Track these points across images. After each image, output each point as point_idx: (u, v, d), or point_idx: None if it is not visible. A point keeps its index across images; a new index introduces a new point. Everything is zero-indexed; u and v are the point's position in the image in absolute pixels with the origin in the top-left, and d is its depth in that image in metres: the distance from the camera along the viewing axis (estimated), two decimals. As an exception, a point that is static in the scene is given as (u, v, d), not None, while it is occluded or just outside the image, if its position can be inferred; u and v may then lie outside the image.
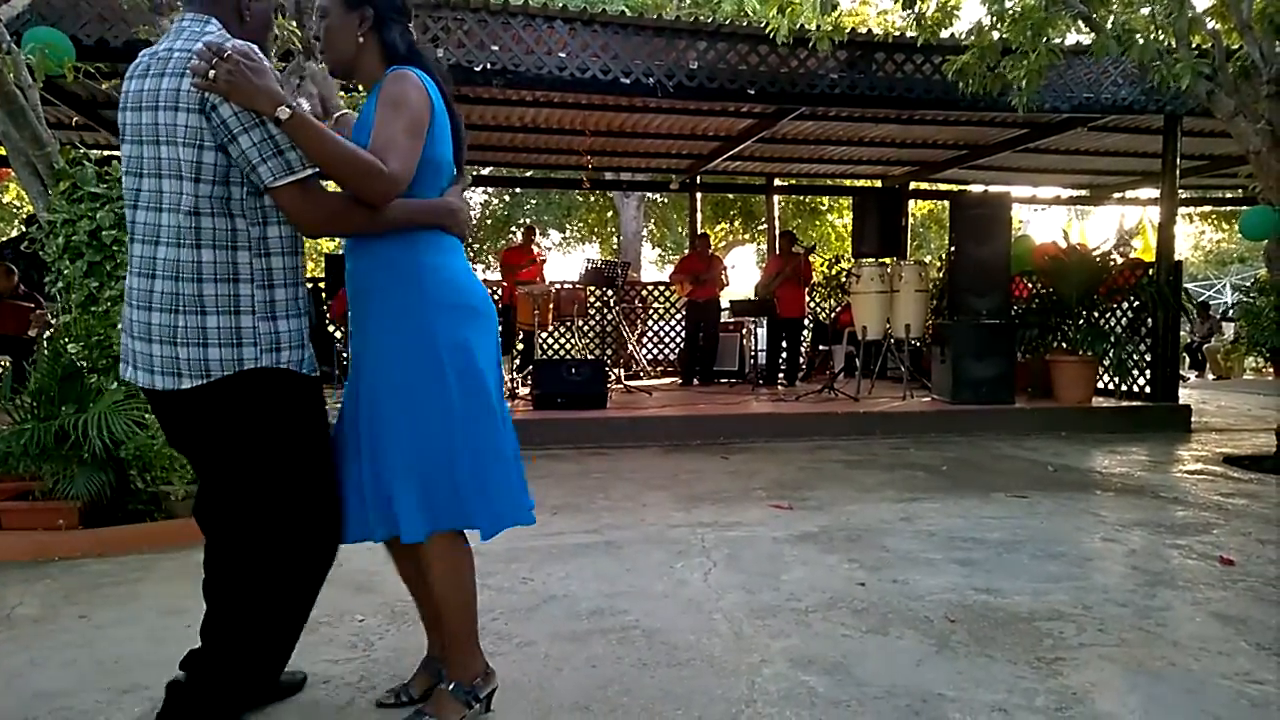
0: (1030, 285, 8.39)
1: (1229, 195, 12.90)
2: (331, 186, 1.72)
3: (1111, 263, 7.64)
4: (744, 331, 9.38)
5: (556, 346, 10.75)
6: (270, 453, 1.70)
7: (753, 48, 6.36)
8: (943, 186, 12.38)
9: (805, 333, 10.33)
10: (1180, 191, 7.60)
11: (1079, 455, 5.66)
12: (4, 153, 4.15)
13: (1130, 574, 3.05)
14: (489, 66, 5.92)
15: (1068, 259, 7.58)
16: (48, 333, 7.82)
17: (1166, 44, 5.43)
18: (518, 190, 17.66)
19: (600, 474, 4.95)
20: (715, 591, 2.83)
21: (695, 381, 9.03)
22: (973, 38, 5.96)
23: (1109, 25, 5.43)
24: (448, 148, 1.83)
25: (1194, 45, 5.31)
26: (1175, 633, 2.47)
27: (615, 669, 2.21)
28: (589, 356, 9.71)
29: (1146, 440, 6.37)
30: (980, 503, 4.17)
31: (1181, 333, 8.85)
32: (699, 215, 11.93)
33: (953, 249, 7.35)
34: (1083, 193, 12.57)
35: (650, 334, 11.32)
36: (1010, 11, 5.68)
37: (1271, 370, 13.13)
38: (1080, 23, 5.61)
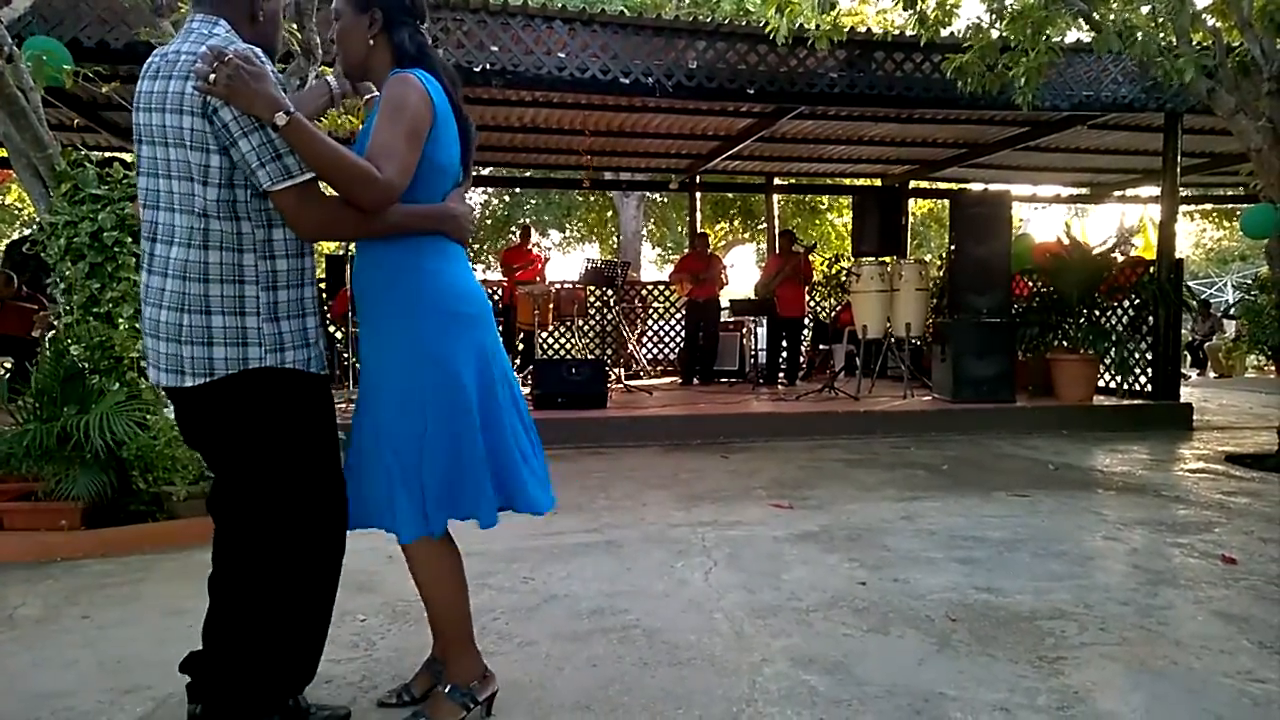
0: (1031, 283, 8.38)
1: (1230, 193, 12.89)
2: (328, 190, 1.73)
3: (1112, 261, 7.64)
4: (744, 331, 9.38)
5: (557, 346, 10.75)
6: (276, 448, 1.72)
7: (752, 47, 6.36)
8: (943, 185, 12.38)
9: (805, 332, 10.33)
10: (1181, 189, 7.60)
11: (1080, 454, 5.66)
12: (6, 154, 4.15)
13: (1132, 573, 3.05)
14: (488, 67, 5.92)
15: (1068, 257, 7.57)
16: (50, 334, 7.84)
17: (1167, 41, 5.43)
18: (518, 190, 17.66)
19: (600, 473, 4.96)
20: (716, 591, 2.83)
21: (695, 381, 9.03)
22: (972, 36, 5.95)
23: (1110, 22, 5.43)
24: (453, 152, 1.82)
25: (1194, 42, 5.30)
26: (1177, 631, 2.47)
27: (616, 668, 2.21)
28: (589, 356, 9.71)
29: (1148, 439, 6.37)
30: (981, 501, 4.17)
31: (1183, 331, 8.85)
32: (698, 215, 11.93)
33: (953, 247, 7.35)
34: (1083, 191, 12.57)
35: (650, 333, 11.32)
36: (1010, 9, 5.68)
37: (1273, 368, 13.12)
38: (1080, 20, 5.61)
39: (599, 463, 5.33)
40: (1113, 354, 7.41)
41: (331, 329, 8.97)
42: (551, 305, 7.82)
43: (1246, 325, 6.35)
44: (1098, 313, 7.65)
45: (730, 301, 9.76)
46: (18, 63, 3.56)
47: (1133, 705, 2.02)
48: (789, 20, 5.79)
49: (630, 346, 9.89)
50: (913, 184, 11.76)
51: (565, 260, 22.39)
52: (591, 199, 17.34)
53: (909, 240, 11.17)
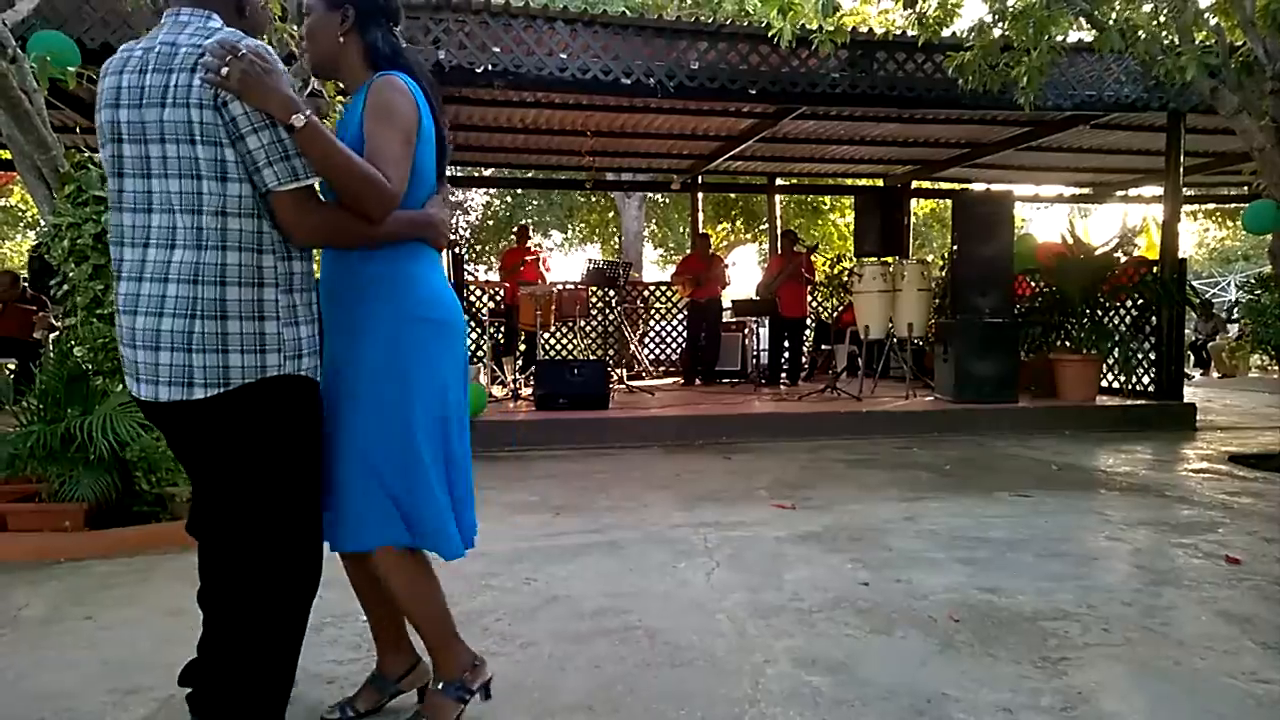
0: (1033, 284, 8.37)
1: (1233, 192, 12.87)
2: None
3: (1115, 261, 7.63)
4: (746, 331, 9.38)
5: (559, 347, 10.76)
6: (287, 463, 1.64)
7: (753, 47, 6.36)
8: (945, 185, 12.37)
9: (807, 332, 10.33)
10: (1184, 189, 7.57)
11: (1083, 454, 5.65)
12: (9, 157, 4.15)
13: (1135, 573, 3.04)
14: (490, 68, 5.92)
15: (1071, 257, 7.57)
16: (53, 335, 7.87)
17: (1170, 40, 5.42)
18: (519, 191, 17.67)
19: (602, 474, 4.96)
20: (718, 591, 2.83)
21: (697, 381, 9.04)
22: (974, 36, 5.95)
23: (1112, 21, 5.42)
24: (432, 156, 1.80)
25: (1197, 42, 5.30)
26: (1181, 632, 2.47)
27: (618, 669, 2.21)
28: (591, 357, 9.71)
29: (1151, 439, 6.36)
30: (984, 502, 4.17)
31: (1186, 331, 8.83)
32: (700, 215, 11.94)
33: (955, 248, 7.34)
34: (1086, 191, 12.56)
35: (652, 334, 11.32)
36: (1011, 9, 5.67)
37: (1277, 368, 13.10)
38: (1082, 19, 5.60)
39: (601, 463, 5.33)
40: (1116, 354, 7.40)
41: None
42: (554, 306, 7.82)
43: (1250, 325, 6.34)
44: (1100, 313, 7.64)
45: (732, 302, 9.77)
46: (21, 64, 3.57)
47: (1136, 706, 2.01)
48: (792, 23, 5.79)
49: (632, 347, 9.90)
50: (915, 184, 11.75)
51: (567, 261, 22.41)
52: (593, 200, 17.35)
53: (911, 240, 11.15)
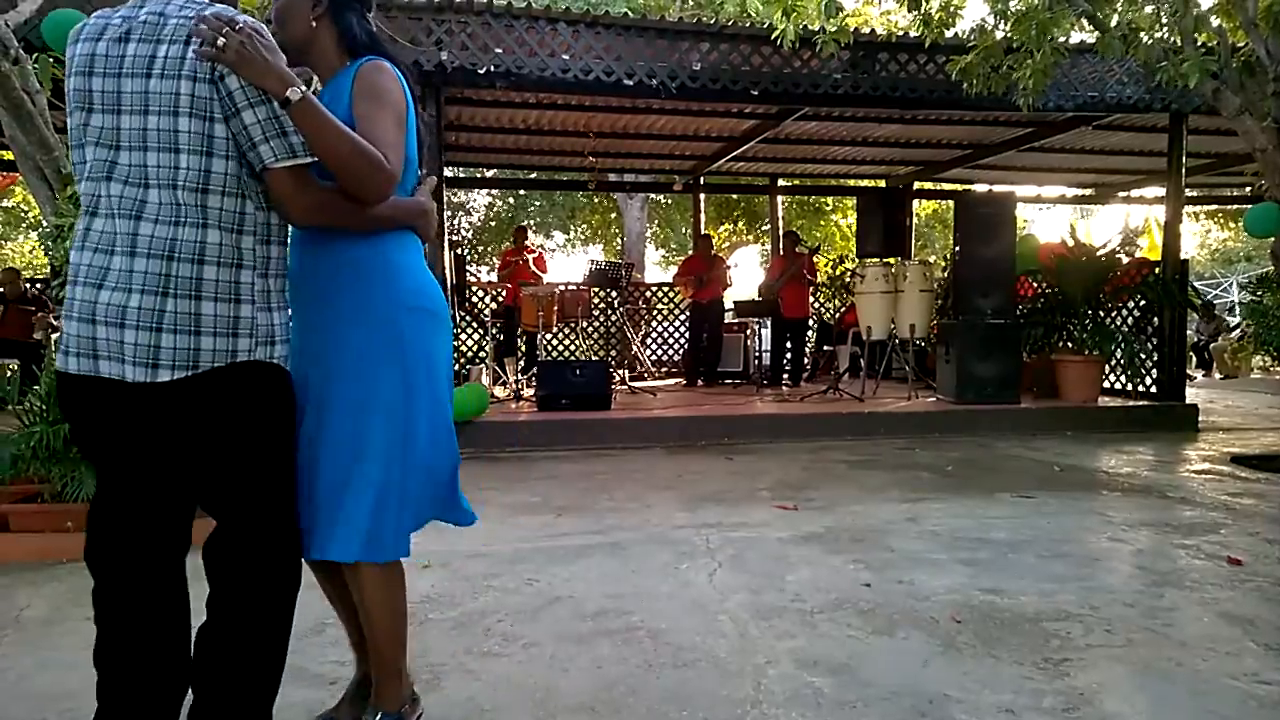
0: (1035, 284, 8.37)
1: (1235, 193, 12.85)
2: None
3: (1117, 262, 7.62)
4: (748, 332, 9.38)
5: (561, 348, 10.76)
6: (257, 452, 1.56)
7: (755, 48, 6.36)
8: (947, 186, 12.36)
9: (809, 333, 10.32)
10: (1186, 190, 7.57)
11: (1085, 455, 5.65)
12: (12, 157, 4.16)
13: (1137, 574, 3.04)
14: (493, 69, 5.93)
15: (1073, 258, 7.56)
16: (55, 335, 7.88)
17: (1172, 42, 5.42)
18: (521, 192, 17.68)
19: (604, 475, 4.96)
20: (720, 592, 2.83)
21: (699, 382, 9.03)
22: (976, 37, 5.95)
23: (1114, 23, 5.42)
24: (414, 147, 1.77)
25: (1199, 43, 5.29)
26: (1183, 633, 2.46)
27: (620, 670, 2.21)
28: (593, 358, 9.71)
29: (1153, 440, 6.35)
30: (986, 503, 4.16)
31: (1188, 331, 8.82)
32: (702, 216, 11.94)
33: (957, 248, 7.34)
34: (1088, 192, 12.54)
35: (654, 335, 11.32)
36: (1014, 11, 5.67)
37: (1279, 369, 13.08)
38: (1085, 21, 5.60)
39: (603, 464, 5.33)
40: (1123, 351, 7.39)
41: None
42: (556, 306, 7.82)
43: (1252, 326, 6.33)
44: (1102, 314, 7.63)
45: (734, 303, 9.77)
46: (24, 64, 3.58)
47: (1138, 707, 2.01)
48: (794, 24, 5.79)
49: (634, 348, 9.90)
50: (917, 185, 11.75)
51: (570, 262, 22.40)
52: (595, 200, 17.36)
53: (913, 241, 11.15)
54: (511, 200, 18.53)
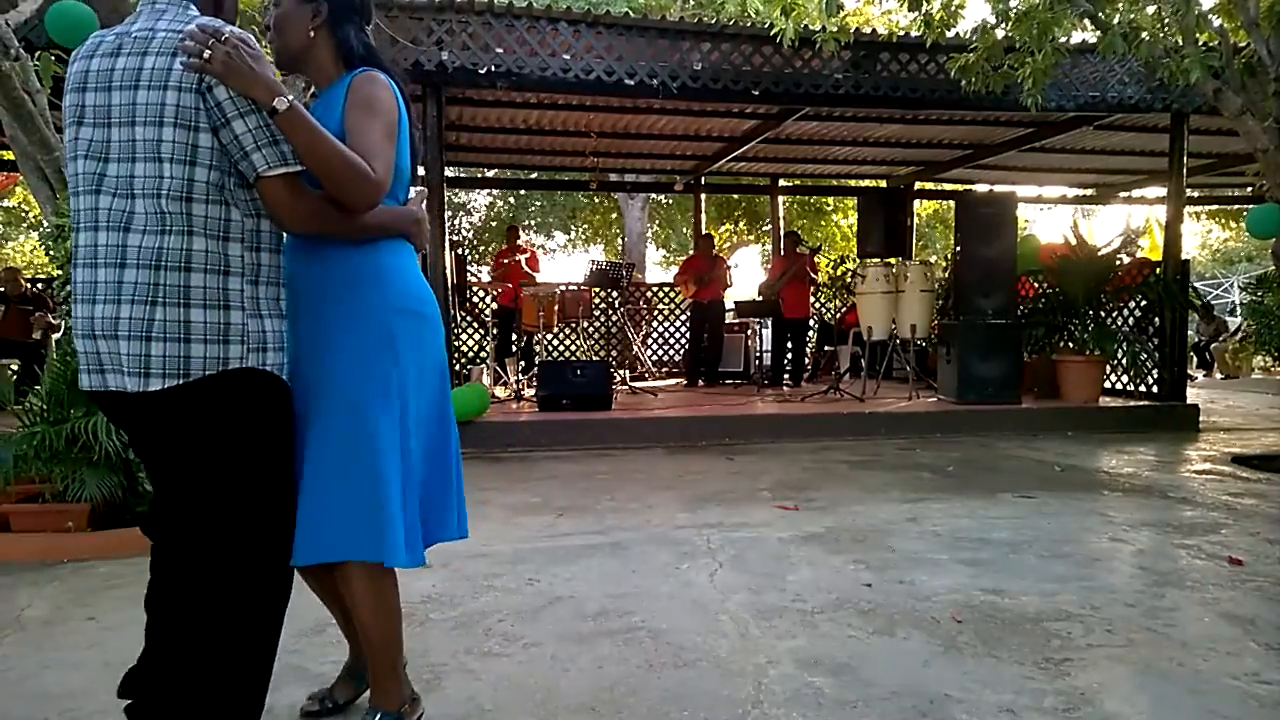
0: (1036, 285, 8.37)
1: (1236, 194, 12.84)
2: None
3: (1118, 262, 7.62)
4: (749, 332, 9.38)
5: (561, 348, 10.76)
6: (247, 462, 1.57)
7: (756, 48, 6.36)
8: (948, 186, 12.36)
9: (810, 333, 10.32)
10: (1187, 190, 7.57)
11: (1086, 455, 5.65)
12: (12, 157, 4.16)
13: (1138, 574, 3.04)
14: (494, 69, 5.93)
15: (1074, 258, 7.56)
16: (55, 335, 7.88)
17: (1173, 42, 5.41)
18: (522, 192, 17.68)
19: (605, 475, 4.96)
20: (721, 592, 2.83)
21: (700, 382, 9.03)
22: (977, 37, 5.95)
23: (1115, 23, 5.42)
24: (407, 158, 1.79)
25: (1200, 43, 5.29)
26: (1183, 633, 2.46)
27: (621, 670, 2.21)
28: (594, 358, 9.71)
29: (1154, 440, 6.35)
30: (987, 503, 4.16)
31: (1189, 332, 8.82)
32: (703, 216, 11.94)
33: (958, 249, 7.34)
34: (1089, 192, 12.54)
35: (655, 335, 11.32)
36: (1015, 10, 5.67)
37: (1280, 369, 13.07)
38: (1086, 21, 5.60)
39: (603, 464, 5.33)
40: (1125, 351, 7.39)
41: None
42: (557, 306, 7.82)
43: (1253, 326, 6.33)
44: (1103, 314, 7.63)
45: (735, 303, 9.77)
46: (25, 63, 3.58)
47: (1139, 707, 2.01)
48: (795, 24, 5.79)
49: (635, 348, 9.90)
50: (918, 185, 11.74)
51: (570, 262, 22.40)
52: (596, 201, 17.36)
53: (914, 241, 11.15)
54: (512, 200, 18.53)
